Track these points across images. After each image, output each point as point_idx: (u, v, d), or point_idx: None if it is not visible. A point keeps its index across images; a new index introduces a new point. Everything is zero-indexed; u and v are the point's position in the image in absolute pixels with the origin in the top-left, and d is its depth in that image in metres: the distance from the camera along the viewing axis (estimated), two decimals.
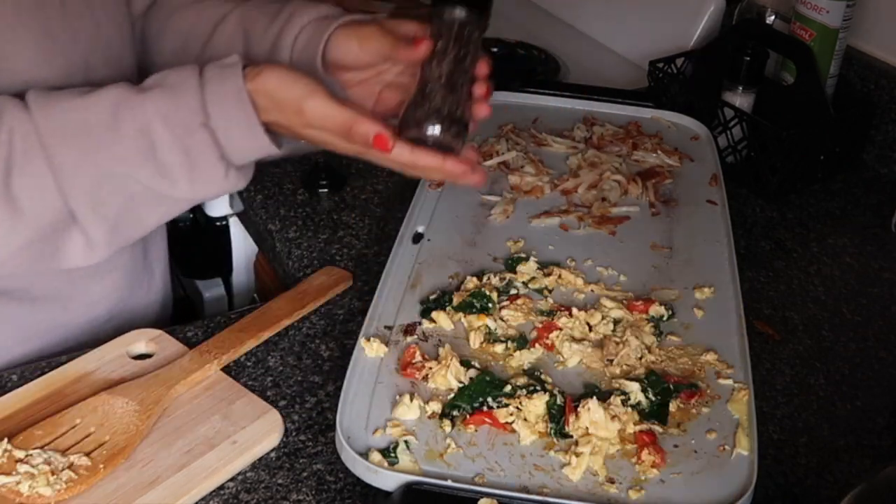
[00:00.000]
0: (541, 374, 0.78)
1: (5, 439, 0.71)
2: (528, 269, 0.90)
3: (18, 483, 0.67)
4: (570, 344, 0.80)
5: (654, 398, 0.75)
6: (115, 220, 0.76)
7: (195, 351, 0.81)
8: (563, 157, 1.10)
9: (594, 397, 0.73)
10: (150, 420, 0.74)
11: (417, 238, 0.94)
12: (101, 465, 0.70)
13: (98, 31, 0.88)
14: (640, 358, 0.80)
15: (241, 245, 1.23)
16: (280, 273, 1.04)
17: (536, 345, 0.81)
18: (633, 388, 0.75)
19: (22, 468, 0.69)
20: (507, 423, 0.73)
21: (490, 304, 0.84)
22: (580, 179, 1.04)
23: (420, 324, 0.83)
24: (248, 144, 0.76)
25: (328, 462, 0.75)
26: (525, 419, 0.73)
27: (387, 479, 0.68)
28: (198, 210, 1.23)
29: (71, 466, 0.70)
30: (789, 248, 1.05)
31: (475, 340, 0.81)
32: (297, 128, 0.77)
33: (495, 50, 1.56)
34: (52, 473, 0.68)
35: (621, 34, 1.53)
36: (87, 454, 0.71)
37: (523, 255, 0.92)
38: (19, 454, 0.70)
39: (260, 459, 0.75)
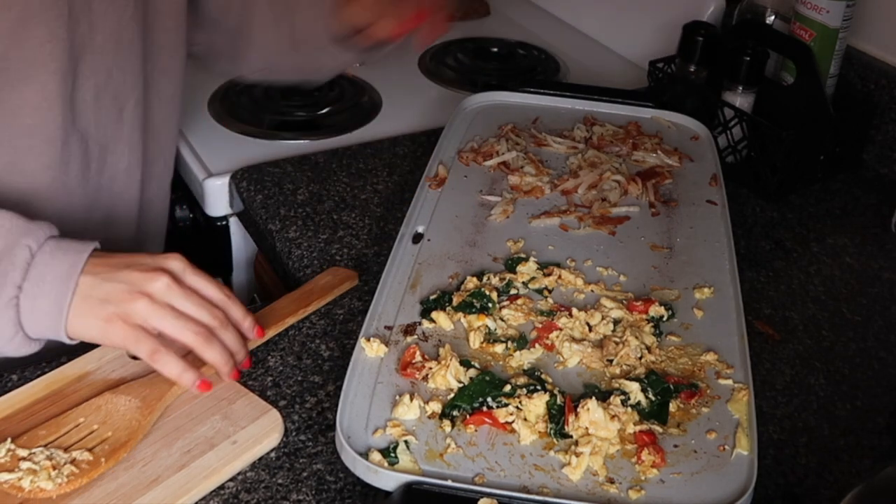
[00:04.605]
0: (541, 374, 0.78)
1: (8, 439, 0.71)
2: (528, 269, 0.90)
3: (20, 479, 0.68)
4: (570, 344, 0.80)
5: (654, 398, 0.75)
6: None
7: None
8: (563, 157, 1.10)
9: (594, 397, 0.73)
10: (153, 415, 0.74)
11: (417, 238, 0.94)
12: (103, 459, 0.70)
13: (91, 37, 0.88)
14: (640, 358, 0.80)
15: (241, 245, 1.23)
16: (280, 273, 1.04)
17: (536, 345, 0.81)
18: (633, 388, 0.75)
19: (24, 465, 0.69)
20: (507, 423, 0.73)
21: (490, 304, 0.84)
22: (580, 179, 1.04)
23: (420, 324, 0.83)
24: (47, 325, 0.75)
25: (328, 462, 0.75)
26: (525, 419, 0.73)
27: (387, 479, 0.68)
28: (198, 210, 1.23)
29: (73, 461, 0.70)
30: (789, 248, 1.05)
31: (475, 340, 0.81)
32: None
33: (495, 50, 1.56)
34: (54, 468, 0.69)
35: (621, 34, 1.53)
36: (90, 450, 0.71)
37: (523, 256, 0.92)
38: (22, 452, 0.70)
39: (260, 459, 0.75)
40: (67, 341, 0.76)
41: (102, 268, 0.75)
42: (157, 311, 0.74)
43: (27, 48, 0.83)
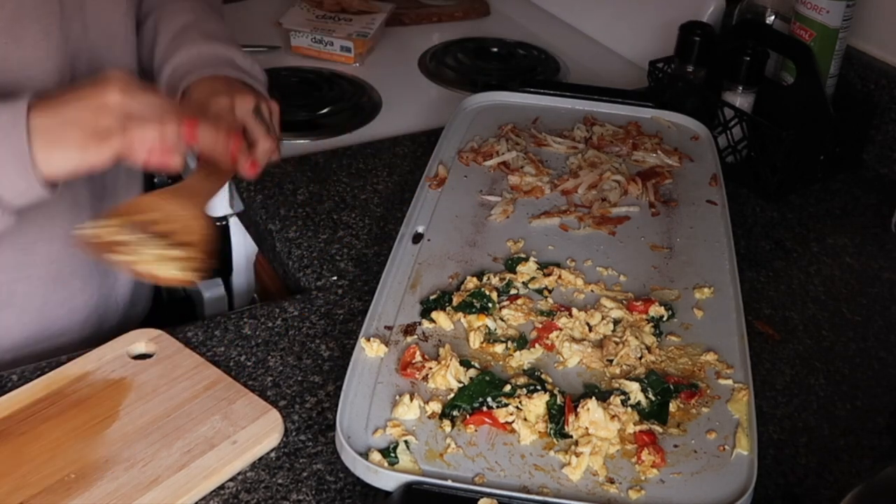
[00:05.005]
0: (541, 374, 0.78)
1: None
2: (527, 269, 0.90)
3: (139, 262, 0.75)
4: (570, 344, 0.80)
5: (654, 398, 0.75)
6: None
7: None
8: (563, 157, 1.10)
9: (594, 397, 0.73)
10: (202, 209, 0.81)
11: (417, 238, 0.94)
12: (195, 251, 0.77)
13: (85, 35, 0.88)
14: (640, 358, 0.80)
15: (241, 245, 1.23)
16: (280, 273, 1.04)
17: (536, 345, 0.81)
18: (633, 388, 0.75)
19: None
20: (507, 423, 0.73)
21: (490, 304, 0.84)
22: (580, 179, 1.04)
23: (420, 324, 0.83)
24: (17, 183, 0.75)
25: (328, 462, 0.75)
26: (525, 419, 0.73)
27: (387, 479, 0.68)
28: None
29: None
30: (789, 248, 1.05)
31: (475, 340, 0.81)
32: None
33: (495, 50, 1.56)
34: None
35: (621, 34, 1.53)
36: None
37: (523, 256, 0.92)
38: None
39: (260, 459, 0.75)
40: (45, 193, 0.75)
41: (49, 102, 0.75)
42: (128, 121, 0.74)
43: (23, 46, 0.83)
